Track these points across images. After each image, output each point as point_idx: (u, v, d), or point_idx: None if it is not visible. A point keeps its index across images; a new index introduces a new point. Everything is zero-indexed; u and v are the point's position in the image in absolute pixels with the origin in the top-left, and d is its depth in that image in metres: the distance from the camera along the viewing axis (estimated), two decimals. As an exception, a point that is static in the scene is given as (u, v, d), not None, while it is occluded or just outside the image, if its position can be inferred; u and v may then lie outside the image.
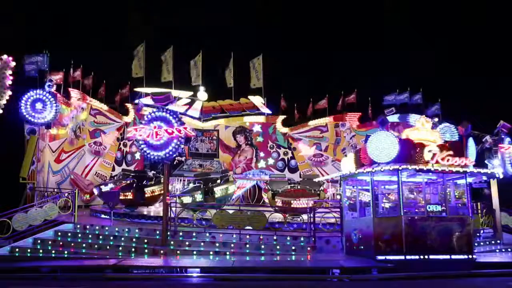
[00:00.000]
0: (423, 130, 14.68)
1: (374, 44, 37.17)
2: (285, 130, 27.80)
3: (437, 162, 13.87)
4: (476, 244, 16.05)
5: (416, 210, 15.23)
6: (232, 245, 15.68)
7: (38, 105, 19.08)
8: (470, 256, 13.75)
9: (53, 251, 15.92)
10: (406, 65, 33.80)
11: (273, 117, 27.78)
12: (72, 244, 16.24)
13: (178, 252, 15.36)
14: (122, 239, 16.32)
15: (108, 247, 15.94)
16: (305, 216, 17.21)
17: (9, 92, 16.61)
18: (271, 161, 27.54)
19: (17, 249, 15.99)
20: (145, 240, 16.08)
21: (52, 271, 13.21)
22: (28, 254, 15.76)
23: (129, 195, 19.99)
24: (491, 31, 35.77)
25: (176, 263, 13.83)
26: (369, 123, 26.31)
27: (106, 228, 16.97)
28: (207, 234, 16.23)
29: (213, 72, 27.99)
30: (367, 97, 27.18)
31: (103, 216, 19.20)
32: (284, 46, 37.35)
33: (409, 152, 14.00)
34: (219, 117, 27.49)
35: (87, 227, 17.22)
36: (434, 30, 37.03)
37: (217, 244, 15.75)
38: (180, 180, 22.72)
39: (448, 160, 13.94)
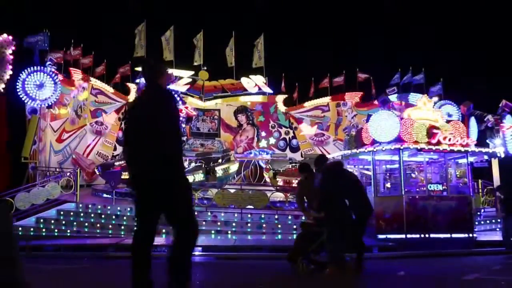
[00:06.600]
0: (425, 109, 14.61)
1: (375, 22, 36.88)
2: (287, 109, 27.71)
3: (438, 141, 13.84)
4: (476, 223, 16.12)
5: (417, 190, 15.24)
6: (234, 224, 15.78)
7: (39, 84, 18.98)
8: (471, 235, 13.82)
9: (56, 230, 16.05)
10: (409, 44, 33.61)
11: (274, 96, 27.63)
12: (75, 223, 16.35)
13: (180, 231, 15.39)
14: (124, 218, 16.36)
15: (110, 226, 16.01)
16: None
17: (10, 72, 16.55)
18: (272, 140, 27.50)
19: (20, 228, 16.08)
20: (147, 219, 16.12)
21: (55, 250, 13.30)
22: (31, 233, 15.87)
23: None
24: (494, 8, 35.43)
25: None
26: (371, 102, 26.18)
27: (108, 207, 17.04)
28: (209, 213, 16.29)
29: (214, 52, 27.79)
30: (369, 76, 26.95)
31: (105, 195, 19.24)
32: (285, 25, 37.09)
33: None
34: (220, 96, 27.36)
35: (89, 206, 17.29)
36: (437, 8, 36.69)
37: (218, 223, 15.83)
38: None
39: (449, 140, 13.91)
